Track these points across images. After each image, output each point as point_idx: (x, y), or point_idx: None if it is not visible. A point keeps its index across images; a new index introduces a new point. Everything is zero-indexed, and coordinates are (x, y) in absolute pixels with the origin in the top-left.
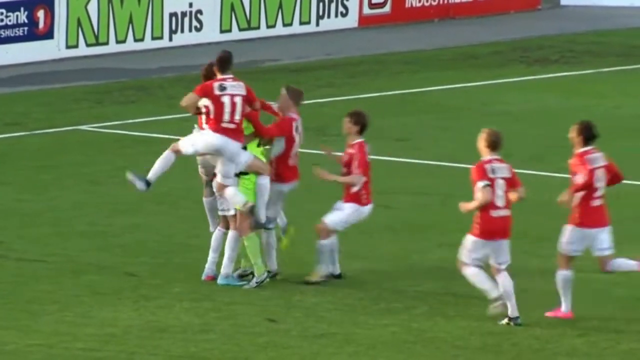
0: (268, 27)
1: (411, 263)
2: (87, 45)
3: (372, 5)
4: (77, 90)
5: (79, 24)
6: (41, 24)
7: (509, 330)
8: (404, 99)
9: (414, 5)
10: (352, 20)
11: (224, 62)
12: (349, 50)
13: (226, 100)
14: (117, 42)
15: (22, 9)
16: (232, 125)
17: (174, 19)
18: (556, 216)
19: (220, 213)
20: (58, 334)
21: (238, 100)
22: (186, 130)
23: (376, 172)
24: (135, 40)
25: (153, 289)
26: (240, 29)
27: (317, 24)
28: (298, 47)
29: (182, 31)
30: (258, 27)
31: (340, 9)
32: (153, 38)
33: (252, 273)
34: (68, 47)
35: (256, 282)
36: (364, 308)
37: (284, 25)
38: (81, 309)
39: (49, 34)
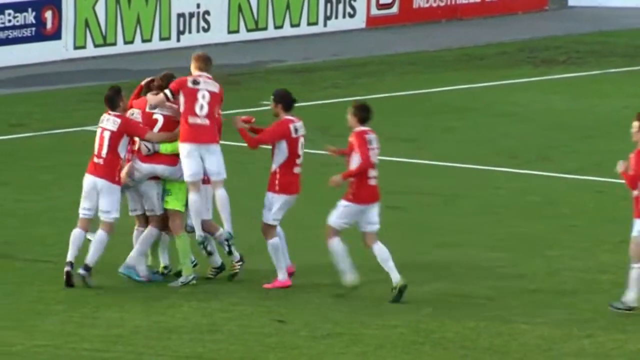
0: (275, 27)
1: (418, 263)
2: (95, 46)
3: (379, 6)
4: (82, 91)
5: (87, 24)
6: (49, 25)
7: (516, 331)
8: (411, 99)
9: (421, 6)
10: (359, 21)
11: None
12: (356, 51)
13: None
14: (125, 42)
15: (29, 9)
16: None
17: (181, 19)
18: (562, 217)
19: (132, 214)
20: (64, 334)
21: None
22: None
23: (383, 172)
24: (143, 41)
25: (160, 289)
26: (248, 30)
27: (325, 25)
28: (305, 47)
29: (190, 32)
30: (265, 28)
31: (348, 9)
32: (161, 39)
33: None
34: (76, 47)
35: (181, 282)
36: (371, 308)
37: (292, 26)
38: (87, 310)
39: (56, 35)
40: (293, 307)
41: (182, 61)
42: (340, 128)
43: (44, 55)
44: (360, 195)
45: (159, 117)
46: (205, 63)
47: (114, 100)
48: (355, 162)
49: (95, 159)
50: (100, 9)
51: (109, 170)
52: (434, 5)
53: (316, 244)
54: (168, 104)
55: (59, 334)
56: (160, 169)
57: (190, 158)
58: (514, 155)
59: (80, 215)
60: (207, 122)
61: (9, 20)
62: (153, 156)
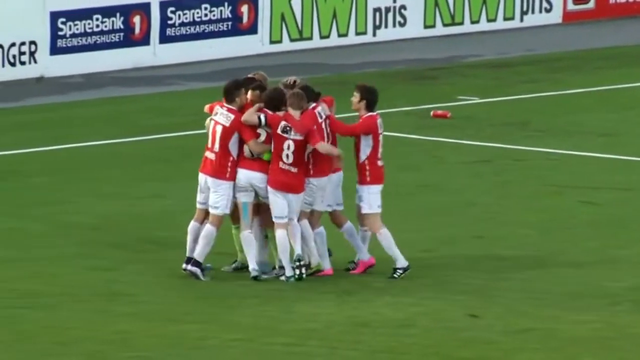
0: (472, 22)
1: (614, 259)
2: (291, 40)
3: (576, 1)
4: None
5: (283, 19)
6: (245, 19)
7: None
8: (607, 95)
9: (618, 1)
10: (556, 16)
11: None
12: (552, 46)
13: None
14: (321, 37)
15: (226, 4)
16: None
17: (377, 14)
18: None
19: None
20: (258, 328)
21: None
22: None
23: (580, 168)
24: (339, 35)
25: (354, 283)
26: (444, 25)
27: (521, 20)
28: (501, 42)
29: (386, 26)
30: (462, 23)
31: (545, 5)
32: (357, 33)
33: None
34: (272, 42)
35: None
36: (564, 303)
37: (488, 20)
38: (282, 304)
39: (252, 29)
40: (486, 301)
41: (377, 56)
42: (540, 123)
43: (240, 50)
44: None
45: (262, 133)
46: (300, 99)
47: (231, 93)
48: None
49: (207, 153)
50: (296, 3)
51: (219, 167)
52: (631, 0)
53: (512, 238)
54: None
55: (252, 328)
56: (257, 177)
57: (277, 198)
58: None
59: (197, 206)
60: (294, 169)
61: (206, 15)
62: (253, 162)
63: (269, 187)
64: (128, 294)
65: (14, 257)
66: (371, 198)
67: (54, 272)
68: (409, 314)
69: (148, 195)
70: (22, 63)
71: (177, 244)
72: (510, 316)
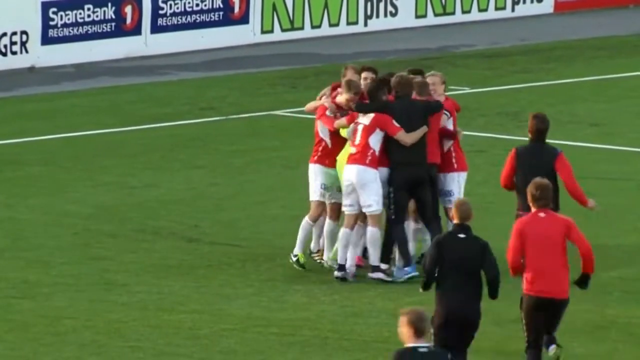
0: (463, 12)
1: (605, 248)
2: (282, 30)
3: None
4: (272, 75)
5: (274, 8)
6: (236, 9)
7: None
8: (600, 84)
9: None
10: (547, 6)
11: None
12: (544, 36)
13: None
14: (312, 27)
15: None
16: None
17: (369, 4)
18: None
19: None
20: (252, 318)
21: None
22: None
23: (572, 158)
24: (330, 25)
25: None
26: (435, 15)
27: (513, 10)
28: (493, 32)
29: (377, 16)
30: (453, 13)
31: None
32: (348, 23)
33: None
34: (263, 32)
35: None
36: None
37: (479, 10)
38: (275, 294)
39: (244, 19)
40: None
41: (369, 46)
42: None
43: (231, 40)
44: None
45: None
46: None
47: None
48: None
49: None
50: None
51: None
52: None
53: (506, 228)
54: None
55: (246, 318)
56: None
57: None
58: None
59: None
60: None
61: (197, 5)
62: None
63: (463, 172)
64: (122, 284)
65: (8, 247)
66: None
67: (49, 261)
68: (402, 304)
69: (143, 185)
70: (14, 53)
71: (170, 234)
72: (501, 306)
